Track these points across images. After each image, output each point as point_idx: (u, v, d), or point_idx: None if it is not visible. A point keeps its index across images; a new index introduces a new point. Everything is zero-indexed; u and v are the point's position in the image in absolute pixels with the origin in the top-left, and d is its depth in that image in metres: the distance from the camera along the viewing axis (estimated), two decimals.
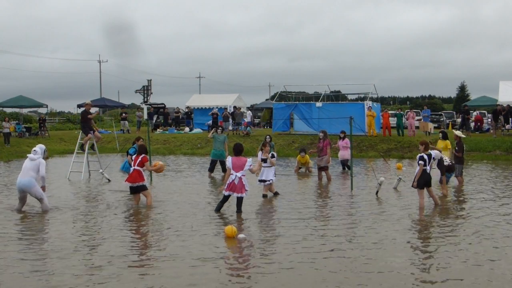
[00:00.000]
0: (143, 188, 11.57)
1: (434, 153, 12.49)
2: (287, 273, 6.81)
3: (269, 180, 12.83)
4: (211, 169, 17.06)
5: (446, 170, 13.22)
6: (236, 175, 10.58)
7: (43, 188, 10.99)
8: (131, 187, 11.58)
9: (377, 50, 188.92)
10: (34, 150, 10.96)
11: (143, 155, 11.70)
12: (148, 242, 8.56)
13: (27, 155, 11.12)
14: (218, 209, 10.83)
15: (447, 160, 13.63)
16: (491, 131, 31.41)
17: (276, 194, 12.99)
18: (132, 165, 11.60)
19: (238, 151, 10.92)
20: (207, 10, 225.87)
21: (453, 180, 14.50)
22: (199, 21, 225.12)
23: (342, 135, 18.41)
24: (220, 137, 17.02)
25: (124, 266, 7.11)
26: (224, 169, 16.61)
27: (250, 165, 10.75)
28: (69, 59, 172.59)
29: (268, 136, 16.21)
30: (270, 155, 12.97)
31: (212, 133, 17.29)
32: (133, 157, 11.88)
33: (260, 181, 12.92)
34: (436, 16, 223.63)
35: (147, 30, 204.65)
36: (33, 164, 10.81)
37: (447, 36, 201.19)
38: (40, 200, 10.90)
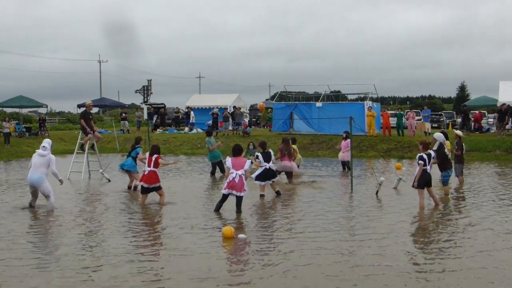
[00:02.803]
0: (158, 188, 11.65)
1: (436, 135, 12.94)
2: (286, 273, 6.81)
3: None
4: (213, 172, 17.25)
5: (446, 168, 13.17)
6: (236, 173, 10.60)
7: (61, 181, 11.28)
8: (144, 187, 11.58)
9: (376, 50, 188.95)
10: (43, 146, 11.01)
11: (156, 155, 11.72)
12: (147, 243, 8.55)
13: (36, 150, 11.17)
14: (217, 209, 10.83)
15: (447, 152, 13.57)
16: (491, 131, 31.44)
17: (278, 193, 12.95)
18: (147, 166, 11.59)
19: (236, 151, 10.94)
20: (207, 10, 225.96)
21: (454, 180, 14.49)
22: (200, 22, 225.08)
23: (344, 135, 18.43)
24: (212, 140, 17.25)
25: (123, 267, 7.11)
26: (222, 170, 16.75)
27: (249, 166, 10.79)
28: (69, 59, 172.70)
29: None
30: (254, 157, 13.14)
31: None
32: (146, 155, 11.90)
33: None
34: (435, 17, 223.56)
35: (147, 30, 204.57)
36: (44, 160, 10.89)
37: (447, 36, 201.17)
38: (46, 197, 10.99)
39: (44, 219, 10.34)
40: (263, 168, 12.78)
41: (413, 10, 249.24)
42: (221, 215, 10.56)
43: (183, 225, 9.60)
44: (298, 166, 17.60)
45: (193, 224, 9.70)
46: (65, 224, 9.78)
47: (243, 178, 10.62)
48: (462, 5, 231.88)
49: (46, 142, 11.19)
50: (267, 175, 12.80)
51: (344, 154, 17.98)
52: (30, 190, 11.21)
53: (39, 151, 11.02)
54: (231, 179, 10.66)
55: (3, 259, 7.42)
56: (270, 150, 13.36)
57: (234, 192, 10.64)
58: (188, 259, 7.43)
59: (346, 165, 18.16)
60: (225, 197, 10.79)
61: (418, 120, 31.83)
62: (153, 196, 11.98)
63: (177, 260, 7.43)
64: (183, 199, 12.52)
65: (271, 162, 13.00)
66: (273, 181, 12.98)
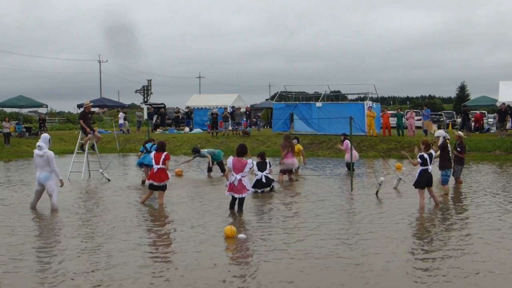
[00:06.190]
0: (162, 188, 11.59)
1: (437, 133, 13.33)
2: (286, 274, 6.81)
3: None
4: (210, 169, 17.55)
5: (445, 167, 13.16)
6: (235, 177, 10.60)
7: (61, 181, 11.19)
8: (152, 184, 11.54)
9: (375, 51, 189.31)
10: (39, 146, 10.95)
11: (165, 152, 11.72)
12: (147, 244, 8.54)
13: (34, 151, 11.16)
14: (231, 207, 10.95)
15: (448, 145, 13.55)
16: (491, 131, 31.42)
17: (272, 188, 13.69)
18: (155, 164, 11.55)
19: (239, 152, 10.94)
20: (208, 11, 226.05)
21: (454, 180, 14.48)
22: (201, 23, 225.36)
23: (343, 138, 18.40)
24: (203, 153, 17.42)
25: (122, 268, 7.11)
26: (222, 169, 16.85)
27: (251, 168, 10.80)
28: (70, 59, 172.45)
29: (296, 138, 16.99)
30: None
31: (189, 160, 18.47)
32: (152, 155, 11.86)
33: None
34: (436, 18, 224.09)
35: (148, 31, 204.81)
36: (43, 159, 10.90)
37: (447, 37, 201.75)
38: (49, 196, 11.02)
39: (43, 220, 10.33)
40: (256, 179, 13.42)
41: (413, 11, 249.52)
42: (222, 214, 10.55)
43: (183, 225, 9.59)
44: (298, 168, 17.60)
45: (193, 223, 9.69)
46: (65, 225, 9.77)
47: (242, 181, 10.62)
48: (462, 6, 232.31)
49: (42, 140, 11.08)
50: (262, 185, 13.47)
51: (348, 155, 17.88)
52: (36, 187, 11.22)
53: (36, 151, 10.99)
54: (231, 182, 10.70)
55: (4, 264, 7.41)
56: (268, 161, 14.08)
57: (234, 194, 10.68)
58: (188, 259, 7.42)
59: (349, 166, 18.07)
60: (233, 197, 10.84)
61: (418, 120, 31.80)
62: (154, 196, 11.97)
63: (177, 260, 7.42)
64: (182, 198, 12.52)
65: (266, 171, 13.61)
66: (263, 191, 13.41)
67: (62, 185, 11.29)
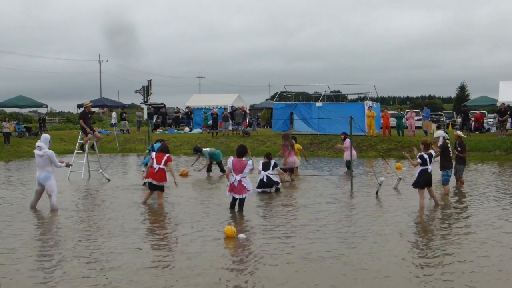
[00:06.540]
0: (161, 188, 11.60)
1: (437, 134, 13.47)
2: (284, 276, 6.80)
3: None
4: (209, 169, 17.61)
5: (446, 167, 13.17)
6: (235, 178, 10.60)
7: (69, 164, 12.04)
8: (152, 184, 11.56)
9: (375, 51, 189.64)
10: (38, 146, 10.97)
11: (168, 155, 11.73)
12: (147, 244, 8.53)
13: (34, 151, 11.18)
14: (231, 207, 10.97)
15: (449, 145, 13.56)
16: (491, 131, 31.42)
17: (277, 189, 13.72)
18: (156, 163, 11.55)
19: (239, 153, 10.93)
20: (208, 12, 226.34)
21: (455, 180, 14.47)
22: (201, 23, 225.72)
23: (342, 137, 18.50)
24: (204, 152, 17.49)
25: (121, 270, 7.10)
26: (221, 169, 16.87)
27: (251, 169, 10.80)
28: (70, 59, 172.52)
29: (293, 138, 17.30)
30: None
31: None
32: (154, 154, 11.90)
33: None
34: (436, 18, 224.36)
35: (148, 31, 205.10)
36: (44, 159, 10.93)
37: (447, 37, 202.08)
38: (49, 195, 11.03)
39: (43, 221, 10.32)
40: (260, 178, 13.59)
41: (413, 11, 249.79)
42: (222, 215, 10.55)
43: (183, 225, 9.59)
44: (297, 167, 17.64)
45: (193, 224, 9.69)
46: (64, 226, 9.76)
47: (242, 181, 10.62)
48: (462, 6, 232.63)
49: (42, 140, 11.10)
50: (264, 185, 13.56)
51: (347, 154, 17.94)
52: (35, 187, 11.25)
53: (36, 151, 11.00)
54: (231, 183, 10.70)
55: (3, 264, 7.40)
56: (273, 161, 14.18)
57: (234, 195, 10.69)
58: (188, 260, 7.41)
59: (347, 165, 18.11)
60: (233, 198, 10.84)
61: (418, 120, 31.77)
62: (153, 196, 11.97)
63: (177, 261, 7.42)
64: (182, 198, 12.51)
65: (269, 171, 13.73)
66: (263, 191, 13.48)
67: (70, 165, 12.21)
